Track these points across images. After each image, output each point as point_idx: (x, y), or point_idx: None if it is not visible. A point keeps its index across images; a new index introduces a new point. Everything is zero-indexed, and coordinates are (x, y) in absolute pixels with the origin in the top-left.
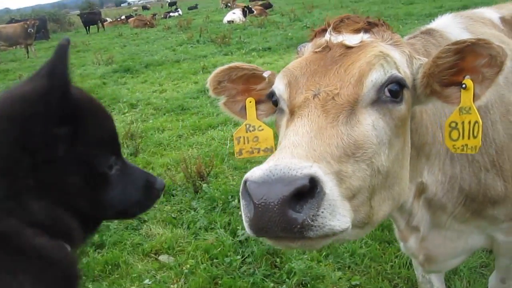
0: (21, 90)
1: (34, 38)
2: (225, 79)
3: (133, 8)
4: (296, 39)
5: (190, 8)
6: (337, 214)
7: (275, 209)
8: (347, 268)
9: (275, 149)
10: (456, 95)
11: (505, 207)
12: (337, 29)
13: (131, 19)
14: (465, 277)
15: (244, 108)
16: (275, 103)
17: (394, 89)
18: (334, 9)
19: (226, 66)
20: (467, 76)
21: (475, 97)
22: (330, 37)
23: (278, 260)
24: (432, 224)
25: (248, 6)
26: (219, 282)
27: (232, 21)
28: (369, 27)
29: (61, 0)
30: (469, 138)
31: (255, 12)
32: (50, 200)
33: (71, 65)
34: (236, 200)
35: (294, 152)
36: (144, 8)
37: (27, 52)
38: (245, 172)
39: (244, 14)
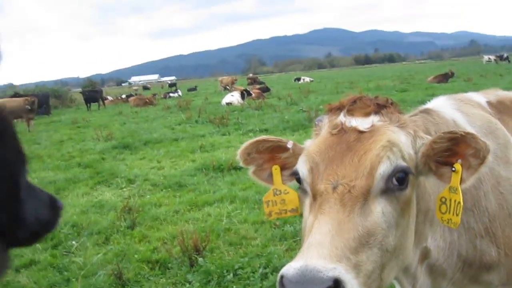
0: None
1: (36, 113)
2: (253, 151)
3: (134, 88)
4: (293, 121)
5: (189, 90)
6: None
7: None
8: None
9: (299, 210)
10: (448, 175)
11: (499, 272)
12: (350, 111)
13: (132, 98)
14: None
15: (270, 175)
16: (299, 180)
17: (400, 177)
18: (330, 95)
19: (254, 140)
20: (459, 160)
21: (462, 181)
22: (345, 120)
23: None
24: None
25: (246, 89)
26: None
27: (231, 103)
28: (378, 109)
29: (63, 77)
30: (453, 214)
31: (253, 95)
32: None
33: (71, 140)
34: (232, 275)
35: (320, 252)
36: (145, 88)
37: (28, 126)
38: (240, 249)
39: (243, 97)
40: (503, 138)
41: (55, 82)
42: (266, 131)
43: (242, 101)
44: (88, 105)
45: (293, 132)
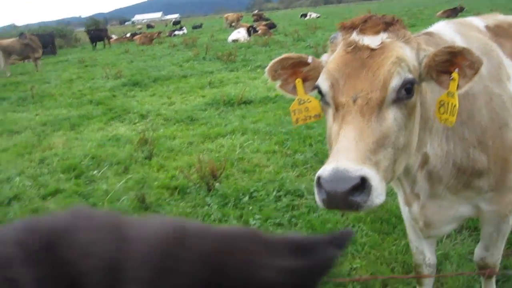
0: None
1: (42, 53)
2: (279, 68)
3: (138, 26)
4: None
5: (194, 27)
6: (379, 195)
7: (340, 196)
8: (349, 254)
9: (322, 115)
10: (447, 82)
11: (488, 178)
12: (362, 30)
13: (137, 36)
14: (454, 261)
15: (294, 87)
16: (321, 93)
17: (408, 87)
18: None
19: (279, 58)
20: (456, 70)
21: (458, 87)
22: (358, 39)
23: None
24: (430, 194)
25: (252, 26)
26: None
27: (237, 40)
28: (386, 27)
29: (65, 17)
30: (449, 114)
31: (259, 31)
32: None
33: (81, 78)
34: (247, 197)
35: (347, 156)
36: (149, 26)
37: (36, 65)
38: (254, 175)
39: (249, 34)
40: (497, 59)
41: (57, 22)
42: None
43: (248, 38)
44: (94, 44)
45: None
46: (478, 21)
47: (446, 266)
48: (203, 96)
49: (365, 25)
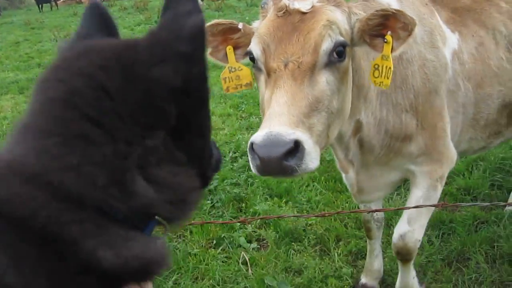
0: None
1: None
2: (208, 34)
3: None
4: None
5: None
6: (313, 159)
7: (274, 161)
8: (304, 211)
9: (253, 83)
10: (381, 45)
11: (418, 142)
12: None
13: None
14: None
15: (225, 55)
16: (252, 60)
17: (339, 50)
18: None
19: (207, 24)
20: (389, 32)
21: (393, 50)
22: (288, 3)
23: (243, 205)
24: (361, 163)
25: None
26: (192, 222)
27: None
28: None
29: None
30: (384, 78)
31: None
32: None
33: (27, 41)
34: None
35: (280, 120)
36: None
37: None
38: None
39: None
40: (429, 25)
41: None
42: None
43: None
44: (40, 6)
45: None
46: None
47: (396, 221)
48: None
49: None
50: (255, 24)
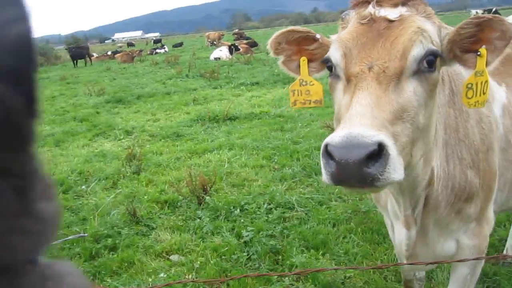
0: None
1: None
2: (283, 41)
3: (118, 45)
4: (283, 75)
5: (175, 46)
6: (397, 169)
7: (354, 166)
8: (342, 264)
9: (323, 102)
10: (472, 61)
11: (476, 205)
12: (378, 2)
13: (119, 54)
14: (445, 269)
15: (298, 66)
16: (330, 68)
17: (430, 60)
18: None
19: (284, 30)
20: (483, 46)
21: (487, 63)
22: (374, 11)
23: (280, 257)
24: (422, 225)
25: (234, 44)
26: (228, 274)
27: (219, 58)
28: (406, 0)
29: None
30: (480, 95)
31: (241, 50)
32: None
33: (63, 95)
34: (238, 210)
35: (362, 121)
36: (129, 44)
37: None
38: (243, 189)
39: (231, 52)
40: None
41: (37, 40)
42: (257, 83)
43: (230, 56)
44: (75, 62)
45: (284, 85)
46: None
47: (437, 274)
48: (188, 113)
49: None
50: (333, 37)
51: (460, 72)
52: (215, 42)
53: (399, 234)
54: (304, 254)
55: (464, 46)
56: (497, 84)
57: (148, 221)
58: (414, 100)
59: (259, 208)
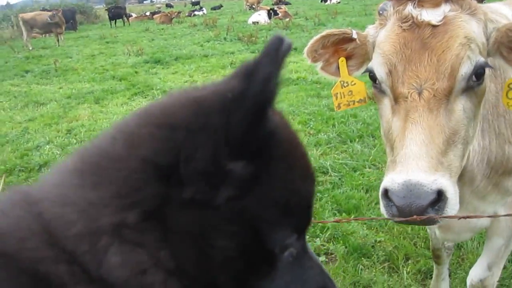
0: (198, 92)
1: (64, 28)
2: (319, 47)
3: (157, 6)
4: None
5: (213, 8)
6: (455, 206)
7: (417, 211)
8: (373, 228)
9: (367, 100)
10: None
11: None
12: (419, 1)
13: (157, 15)
14: (476, 238)
15: (337, 68)
16: (373, 78)
17: (479, 73)
18: (358, 16)
19: (319, 36)
20: None
21: None
22: (415, 13)
23: (312, 219)
24: (462, 194)
25: (273, 8)
26: None
27: (258, 22)
28: None
29: None
30: None
31: (279, 14)
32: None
33: (102, 54)
34: None
35: (419, 164)
36: (168, 6)
37: (57, 40)
38: None
39: (269, 16)
40: None
41: None
42: (295, 49)
43: (268, 21)
44: (113, 22)
45: None
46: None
47: (467, 243)
48: (225, 76)
49: None
50: (371, 31)
51: None
52: (253, 6)
53: None
54: (336, 217)
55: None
56: None
57: None
58: (464, 119)
59: None
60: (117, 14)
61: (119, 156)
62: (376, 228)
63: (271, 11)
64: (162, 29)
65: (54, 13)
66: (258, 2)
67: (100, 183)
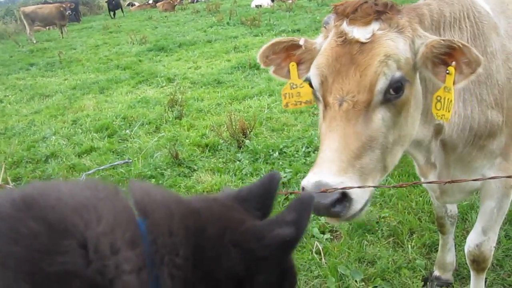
0: (245, 216)
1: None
2: (270, 53)
3: None
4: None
5: None
6: (361, 204)
7: (323, 208)
8: (377, 204)
9: (313, 101)
10: (443, 74)
11: (500, 140)
12: (352, 20)
13: (160, 2)
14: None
15: (289, 71)
16: (311, 85)
17: (396, 87)
18: None
19: (269, 44)
20: (453, 63)
21: (454, 82)
22: (348, 30)
23: None
24: (444, 163)
25: None
26: None
27: (260, 5)
28: (378, 16)
29: None
30: (446, 110)
31: None
32: None
33: (106, 44)
34: (277, 153)
35: (330, 168)
36: None
37: (61, 32)
38: (282, 133)
39: None
40: None
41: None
42: (298, 31)
43: (272, 3)
44: (113, 13)
45: None
46: None
47: (472, 216)
48: (229, 60)
49: (355, 14)
50: (318, 40)
51: (485, 13)
52: None
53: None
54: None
55: (436, 60)
56: None
57: (190, 163)
58: (382, 127)
59: (297, 151)
60: (116, 5)
61: None
62: (381, 204)
63: None
64: (165, 16)
65: (67, 6)
66: None
67: None
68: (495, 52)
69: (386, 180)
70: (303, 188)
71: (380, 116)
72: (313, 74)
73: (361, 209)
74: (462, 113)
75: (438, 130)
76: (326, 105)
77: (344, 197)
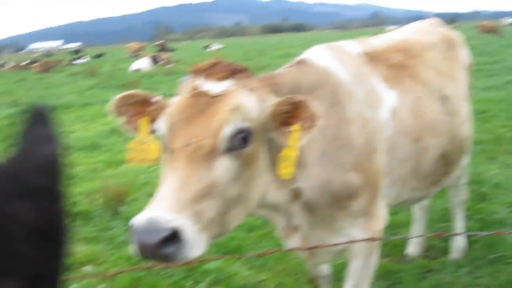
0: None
1: None
2: (124, 104)
3: (34, 55)
4: None
5: (97, 56)
6: (194, 248)
7: (151, 248)
8: (257, 268)
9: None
10: (288, 134)
11: (361, 200)
12: (208, 75)
13: (35, 64)
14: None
15: (138, 126)
16: (159, 138)
17: (243, 136)
18: (239, 62)
19: (125, 93)
20: (297, 122)
21: (299, 139)
22: (200, 84)
23: (194, 264)
24: (311, 224)
25: (155, 55)
26: (142, 283)
27: (139, 69)
28: (233, 74)
29: None
30: (292, 166)
31: (164, 61)
32: None
33: None
34: None
35: (164, 204)
36: (48, 54)
37: None
38: None
39: (155, 62)
40: (370, 85)
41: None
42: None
43: (151, 67)
44: None
45: None
46: (353, 46)
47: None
48: (106, 124)
49: (211, 71)
50: (173, 99)
51: (341, 83)
52: (137, 53)
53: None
54: (220, 261)
55: (283, 120)
56: (390, 88)
57: None
58: (226, 175)
59: None
60: None
61: None
62: (260, 266)
63: (156, 57)
64: (41, 78)
65: None
66: (141, 49)
67: None
68: (353, 118)
69: (264, 245)
70: (131, 226)
71: (225, 164)
72: (162, 120)
73: (196, 254)
74: (320, 176)
75: (297, 195)
76: (171, 152)
77: (175, 237)
